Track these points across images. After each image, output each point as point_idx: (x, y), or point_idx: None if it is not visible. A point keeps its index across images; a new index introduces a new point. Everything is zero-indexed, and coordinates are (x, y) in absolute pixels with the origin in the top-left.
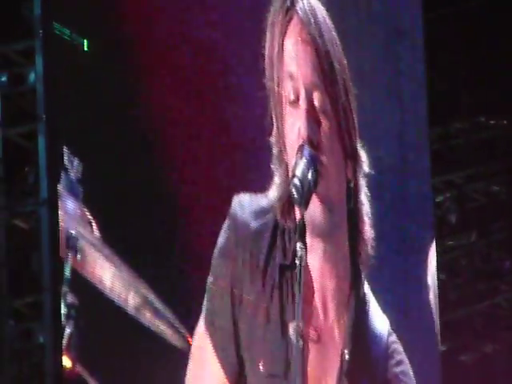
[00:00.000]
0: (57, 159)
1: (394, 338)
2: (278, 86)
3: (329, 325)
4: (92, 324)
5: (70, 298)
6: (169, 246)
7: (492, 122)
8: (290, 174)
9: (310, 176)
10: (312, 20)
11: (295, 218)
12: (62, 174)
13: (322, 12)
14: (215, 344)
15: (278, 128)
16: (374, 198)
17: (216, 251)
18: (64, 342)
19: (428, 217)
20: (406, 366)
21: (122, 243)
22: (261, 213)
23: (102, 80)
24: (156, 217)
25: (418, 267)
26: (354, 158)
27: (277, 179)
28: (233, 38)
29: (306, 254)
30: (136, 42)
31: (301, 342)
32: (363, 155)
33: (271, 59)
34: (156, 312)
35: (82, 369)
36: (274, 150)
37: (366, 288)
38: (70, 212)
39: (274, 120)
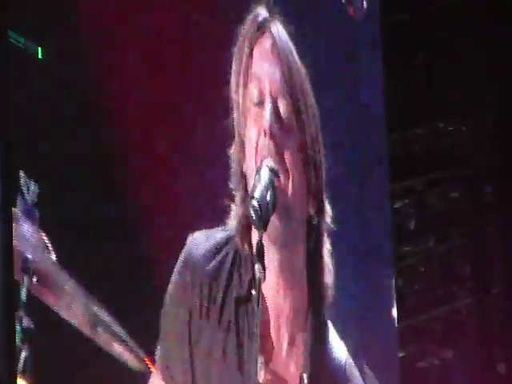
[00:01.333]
0: (10, 170)
1: (351, 361)
2: (243, 94)
3: (283, 352)
4: (48, 348)
5: (26, 322)
6: (126, 268)
7: (451, 128)
8: (249, 195)
9: (268, 197)
10: (283, 42)
11: (252, 245)
12: (18, 198)
13: (289, 42)
14: None
15: (239, 137)
16: (332, 204)
17: (170, 291)
18: (20, 365)
19: (386, 223)
20: None
21: (78, 267)
22: (217, 249)
23: (56, 90)
24: (113, 240)
25: (377, 273)
26: (318, 197)
27: (236, 198)
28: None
29: (265, 276)
30: (94, 52)
31: (261, 377)
32: (329, 210)
33: (238, 68)
34: (113, 335)
35: None
36: (233, 166)
37: (325, 317)
38: (26, 236)
39: (236, 131)
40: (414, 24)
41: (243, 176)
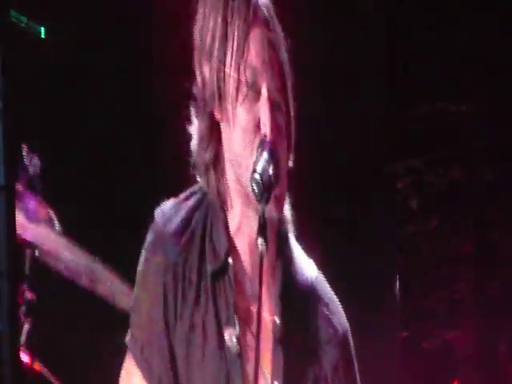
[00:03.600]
0: (14, 145)
1: (320, 278)
2: (234, 67)
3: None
4: (51, 321)
5: (29, 295)
6: (131, 238)
7: (452, 107)
8: (251, 168)
9: (270, 171)
10: (273, 23)
11: (226, 181)
12: (21, 172)
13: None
14: (148, 377)
15: (218, 89)
16: (331, 186)
17: (142, 273)
18: (22, 338)
19: (389, 203)
20: (335, 304)
21: (83, 237)
22: (187, 220)
23: (59, 69)
24: (118, 210)
25: (379, 254)
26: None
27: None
28: None
29: (267, 247)
30: (97, 30)
31: (237, 348)
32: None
33: (224, 41)
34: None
35: (42, 366)
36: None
37: (291, 240)
38: (29, 209)
39: (216, 82)
40: (415, 4)
41: (212, 117)
